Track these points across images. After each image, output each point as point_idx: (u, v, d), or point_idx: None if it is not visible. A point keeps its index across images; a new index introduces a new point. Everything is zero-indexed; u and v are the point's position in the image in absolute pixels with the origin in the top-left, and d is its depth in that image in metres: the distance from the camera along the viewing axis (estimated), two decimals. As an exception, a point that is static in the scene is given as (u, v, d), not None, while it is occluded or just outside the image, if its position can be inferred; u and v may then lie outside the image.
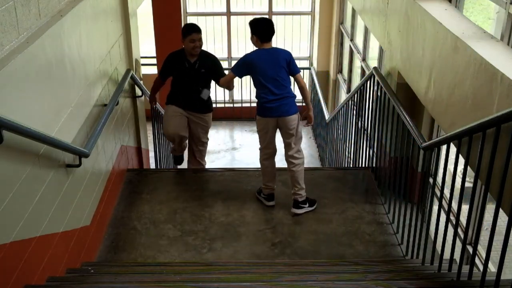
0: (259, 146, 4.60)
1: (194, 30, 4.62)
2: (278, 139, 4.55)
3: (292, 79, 4.39)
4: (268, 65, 4.25)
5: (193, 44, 4.61)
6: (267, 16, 9.46)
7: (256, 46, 4.34)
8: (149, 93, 5.24)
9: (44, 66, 3.01)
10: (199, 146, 5.23)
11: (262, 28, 4.26)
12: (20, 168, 2.69)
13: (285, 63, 4.27)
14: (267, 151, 4.54)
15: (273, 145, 4.55)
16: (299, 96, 4.48)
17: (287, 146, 4.47)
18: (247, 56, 4.36)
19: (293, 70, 4.34)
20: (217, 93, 9.07)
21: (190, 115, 4.98)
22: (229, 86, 4.71)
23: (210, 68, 4.79)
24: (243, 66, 4.36)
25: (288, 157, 4.49)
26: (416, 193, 4.26)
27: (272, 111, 4.33)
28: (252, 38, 4.32)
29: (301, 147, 4.55)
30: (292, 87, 4.40)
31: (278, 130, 4.49)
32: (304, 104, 4.53)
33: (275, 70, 4.25)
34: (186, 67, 4.73)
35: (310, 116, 4.54)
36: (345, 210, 4.61)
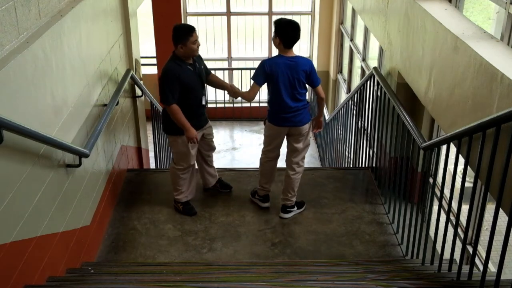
0: (262, 147, 4.51)
1: (193, 29, 4.09)
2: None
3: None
4: (287, 78, 4.05)
5: (195, 46, 4.07)
6: (267, 16, 9.48)
7: (278, 49, 4.09)
8: (183, 126, 4.12)
9: (44, 66, 3.01)
10: (210, 153, 4.73)
11: (289, 33, 3.98)
12: (20, 168, 2.69)
13: (304, 76, 4.08)
14: (271, 154, 4.45)
15: (279, 150, 4.47)
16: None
17: (293, 152, 4.36)
18: (265, 64, 4.09)
19: (314, 82, 4.15)
20: (217, 93, 9.09)
21: (202, 131, 4.41)
22: (254, 97, 4.24)
23: (203, 63, 4.35)
24: (263, 75, 4.09)
25: (291, 163, 4.39)
26: (416, 193, 4.26)
27: (285, 121, 4.20)
28: (275, 40, 4.04)
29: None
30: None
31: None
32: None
33: (294, 84, 4.07)
34: (192, 72, 4.14)
35: (320, 122, 4.44)
36: (345, 210, 4.61)
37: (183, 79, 4.06)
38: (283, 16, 4.18)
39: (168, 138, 4.45)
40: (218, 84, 4.54)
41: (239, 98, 4.47)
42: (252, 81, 4.17)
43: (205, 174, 4.78)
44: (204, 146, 4.57)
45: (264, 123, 4.42)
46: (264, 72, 4.08)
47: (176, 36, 4.04)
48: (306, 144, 4.39)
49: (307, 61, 4.15)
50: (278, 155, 4.51)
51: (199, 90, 4.23)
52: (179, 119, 4.12)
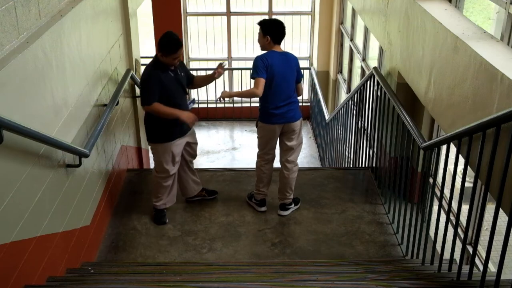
0: (257, 151, 4.49)
1: (180, 45, 3.97)
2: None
3: None
4: (284, 69, 4.12)
5: (175, 61, 4.01)
6: (267, 16, 9.48)
7: (266, 48, 4.16)
8: (173, 114, 4.05)
9: (44, 66, 3.01)
10: (193, 159, 4.61)
11: (277, 29, 4.10)
12: (20, 168, 2.69)
13: (295, 69, 4.21)
14: (267, 157, 4.45)
15: (274, 151, 4.47)
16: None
17: (288, 151, 4.38)
18: (264, 58, 4.08)
19: (299, 77, 4.27)
20: (217, 93, 9.09)
21: (186, 138, 4.31)
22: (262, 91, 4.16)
23: (185, 70, 4.30)
24: (264, 68, 4.07)
25: (286, 161, 4.39)
26: (416, 193, 4.26)
27: (279, 117, 4.22)
28: (263, 39, 4.12)
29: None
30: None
31: None
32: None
33: (289, 75, 4.16)
34: (172, 78, 4.07)
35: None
36: (345, 210, 4.61)
37: (164, 84, 4.00)
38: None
39: (150, 146, 4.36)
40: (205, 80, 4.48)
41: (239, 98, 4.48)
42: (254, 79, 4.10)
43: (190, 182, 4.60)
44: (189, 150, 4.48)
45: (256, 126, 4.40)
46: (265, 65, 4.07)
47: (163, 45, 3.93)
48: (300, 142, 4.43)
49: (295, 57, 4.27)
50: (274, 156, 4.51)
51: (178, 97, 4.15)
52: (165, 112, 4.04)
